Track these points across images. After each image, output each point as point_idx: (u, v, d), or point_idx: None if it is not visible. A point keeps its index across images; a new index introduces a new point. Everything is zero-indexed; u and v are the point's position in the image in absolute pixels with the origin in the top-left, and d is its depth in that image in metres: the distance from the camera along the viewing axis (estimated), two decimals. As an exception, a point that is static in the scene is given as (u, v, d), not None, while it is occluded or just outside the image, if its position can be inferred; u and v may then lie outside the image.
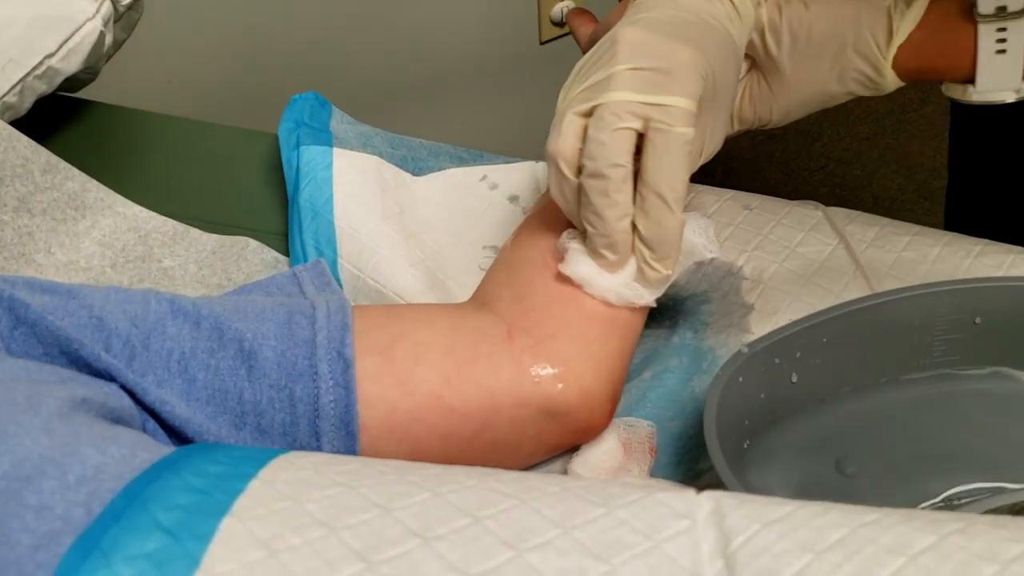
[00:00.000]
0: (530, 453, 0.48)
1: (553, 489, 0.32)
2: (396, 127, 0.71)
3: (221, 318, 0.43)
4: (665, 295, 0.60)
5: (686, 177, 0.45)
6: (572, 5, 1.49)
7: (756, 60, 0.56)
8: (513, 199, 0.64)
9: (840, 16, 0.52)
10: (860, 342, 0.49)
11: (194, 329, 0.43)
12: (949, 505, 0.46)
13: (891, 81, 0.53)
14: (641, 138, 0.45)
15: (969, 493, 0.47)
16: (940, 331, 0.50)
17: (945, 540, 0.30)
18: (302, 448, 0.43)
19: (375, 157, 0.64)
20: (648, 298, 0.48)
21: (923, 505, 0.46)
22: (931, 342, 0.50)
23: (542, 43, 1.45)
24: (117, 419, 0.37)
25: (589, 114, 0.45)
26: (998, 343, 0.50)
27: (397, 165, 0.65)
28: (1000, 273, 0.56)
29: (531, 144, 0.69)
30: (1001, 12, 0.48)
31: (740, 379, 0.46)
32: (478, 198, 0.65)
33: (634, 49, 0.45)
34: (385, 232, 0.60)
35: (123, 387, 0.41)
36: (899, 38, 0.51)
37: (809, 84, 0.54)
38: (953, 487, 0.47)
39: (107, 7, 0.68)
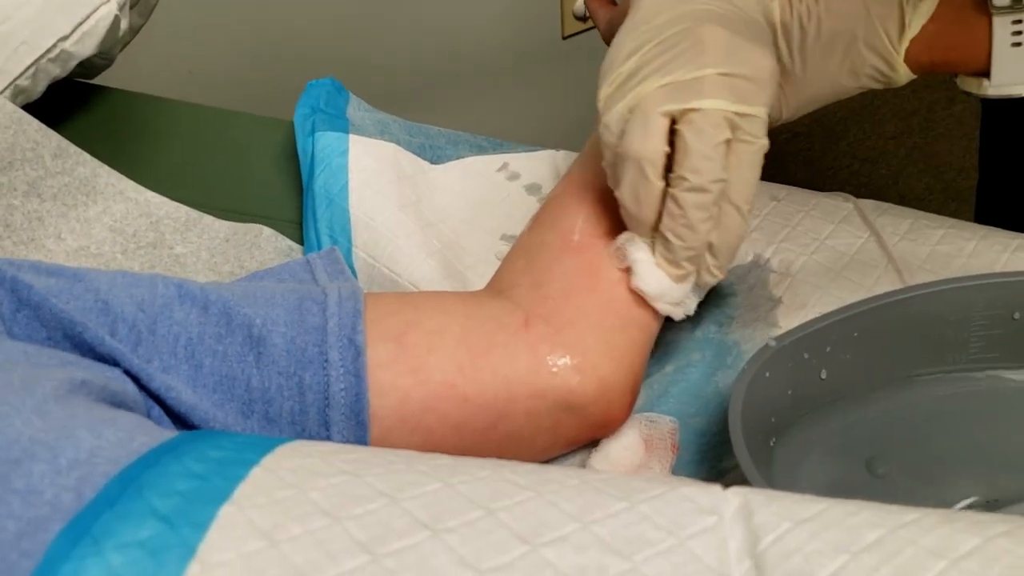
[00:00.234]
0: (547, 446, 0.46)
1: (572, 482, 0.31)
2: (416, 121, 0.70)
3: (230, 303, 0.42)
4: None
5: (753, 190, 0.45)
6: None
7: None
8: (532, 188, 0.63)
9: (850, 9, 0.50)
10: (893, 337, 0.47)
11: (202, 314, 0.42)
12: (988, 508, 0.44)
13: (903, 75, 0.51)
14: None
15: (1008, 496, 0.45)
16: (977, 327, 0.48)
17: (990, 543, 0.29)
18: (311, 438, 0.42)
19: (392, 144, 0.63)
20: (692, 308, 0.47)
21: (959, 507, 0.44)
22: (967, 338, 0.48)
23: (564, 38, 1.43)
24: (119, 404, 0.36)
25: (674, 116, 0.43)
26: (1038, 340, 0.48)
27: (415, 153, 0.64)
28: (1039, 268, 0.54)
29: (553, 139, 0.68)
30: (1017, 4, 0.47)
31: (767, 374, 0.44)
32: (497, 187, 0.63)
33: (723, 52, 0.44)
34: (401, 221, 0.59)
35: (127, 372, 0.40)
36: (912, 31, 0.50)
37: (819, 79, 0.52)
38: (990, 489, 0.45)
39: (123, -9, 0.67)
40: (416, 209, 0.60)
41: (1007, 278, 0.48)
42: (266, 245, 0.61)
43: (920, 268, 0.54)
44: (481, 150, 0.66)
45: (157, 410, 0.40)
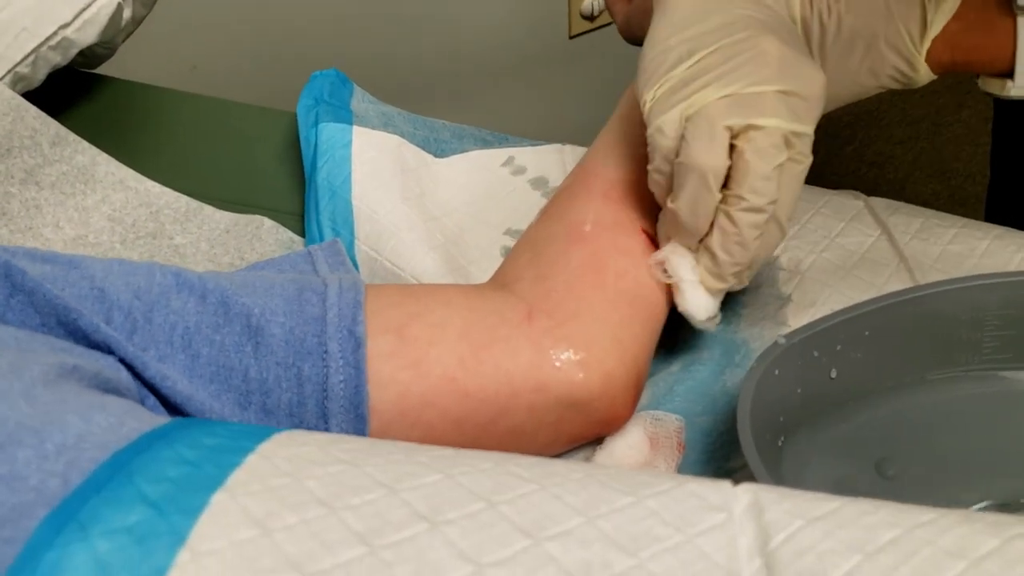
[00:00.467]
0: (549, 443, 0.45)
1: (576, 475, 0.30)
2: (421, 118, 0.69)
3: (228, 292, 0.41)
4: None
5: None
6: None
7: None
8: (538, 183, 0.62)
9: (871, 7, 0.49)
10: (904, 336, 0.46)
11: (199, 303, 0.41)
12: (1000, 512, 0.43)
13: (924, 75, 0.50)
14: None
15: (1021, 500, 0.43)
16: (990, 327, 0.47)
17: (1010, 544, 0.28)
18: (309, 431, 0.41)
19: (396, 137, 0.62)
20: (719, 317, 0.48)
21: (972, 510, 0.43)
22: (980, 338, 0.47)
23: (571, 37, 1.43)
24: (111, 391, 0.35)
25: (735, 130, 0.42)
26: (1053, 341, 0.47)
27: (419, 146, 0.63)
28: (1053, 269, 0.53)
29: (559, 138, 0.67)
30: None
31: (776, 372, 0.44)
32: (501, 181, 0.62)
33: (782, 66, 0.43)
34: (404, 214, 0.58)
35: (122, 361, 0.39)
36: (934, 30, 0.49)
37: (839, 78, 0.51)
38: (1002, 493, 0.44)
39: (125, -21, 0.66)
40: (420, 202, 0.59)
41: (1021, 278, 0.47)
42: (267, 237, 0.61)
43: (932, 267, 0.53)
44: (486, 144, 0.65)
45: (152, 400, 0.39)
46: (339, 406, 0.41)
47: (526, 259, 0.48)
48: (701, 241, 0.45)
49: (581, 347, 0.44)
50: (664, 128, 0.44)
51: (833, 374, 0.46)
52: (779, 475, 0.43)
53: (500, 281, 0.48)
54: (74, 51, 0.65)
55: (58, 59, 0.64)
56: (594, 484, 0.29)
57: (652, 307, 0.46)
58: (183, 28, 1.07)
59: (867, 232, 0.56)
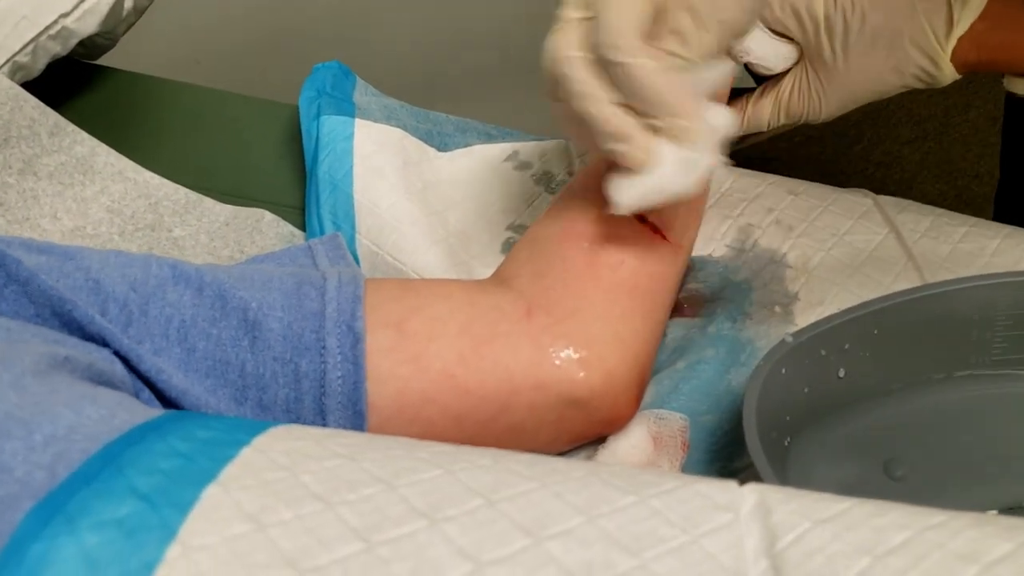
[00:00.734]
0: (550, 441, 0.45)
1: (578, 474, 0.29)
2: (423, 114, 0.68)
3: (225, 285, 0.41)
4: (701, 282, 0.56)
5: (633, 25, 0.40)
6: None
7: (806, 51, 0.53)
8: (542, 178, 0.61)
9: (896, 4, 0.49)
10: (913, 335, 0.46)
11: (196, 296, 0.40)
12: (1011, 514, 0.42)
13: (948, 74, 0.50)
14: None
15: (1031, 503, 0.43)
16: (1001, 327, 0.46)
17: (1023, 549, 0.27)
18: (307, 426, 0.40)
19: (398, 130, 0.61)
20: (711, 159, 0.41)
21: (981, 514, 0.43)
22: (990, 338, 0.46)
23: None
24: (104, 383, 0.34)
25: None
26: (1065, 342, 0.46)
27: (422, 139, 0.62)
28: (1065, 269, 0.52)
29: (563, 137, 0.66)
30: None
31: (783, 370, 0.43)
32: (505, 176, 0.61)
33: None
34: (406, 208, 0.57)
35: (117, 354, 0.38)
36: (960, 29, 0.48)
37: (862, 75, 0.50)
38: (1013, 495, 0.43)
39: (126, -31, 0.65)
40: (422, 196, 0.58)
41: (1034, 277, 0.46)
42: (267, 230, 0.60)
43: (941, 266, 0.53)
44: (490, 138, 0.64)
45: (147, 393, 0.39)
46: (337, 402, 0.40)
47: (525, 256, 0.47)
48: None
49: (582, 345, 0.43)
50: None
51: (841, 373, 0.45)
52: (785, 475, 0.42)
53: (501, 276, 0.48)
54: (74, 41, 0.64)
55: (58, 49, 0.63)
56: (596, 483, 0.28)
57: (653, 297, 0.45)
58: (185, 19, 1.06)
59: (875, 230, 0.55)
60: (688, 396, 0.49)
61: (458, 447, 0.31)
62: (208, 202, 0.61)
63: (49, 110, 0.59)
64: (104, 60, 0.72)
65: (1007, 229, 0.55)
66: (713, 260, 0.54)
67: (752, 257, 0.54)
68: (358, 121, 0.60)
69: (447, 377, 0.41)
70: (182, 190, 0.61)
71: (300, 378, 0.40)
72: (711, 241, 0.55)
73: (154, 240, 0.58)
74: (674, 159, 0.41)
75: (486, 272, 0.55)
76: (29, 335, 0.34)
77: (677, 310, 0.52)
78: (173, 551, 0.23)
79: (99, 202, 0.59)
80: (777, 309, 0.51)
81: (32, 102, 0.58)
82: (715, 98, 0.43)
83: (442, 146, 0.63)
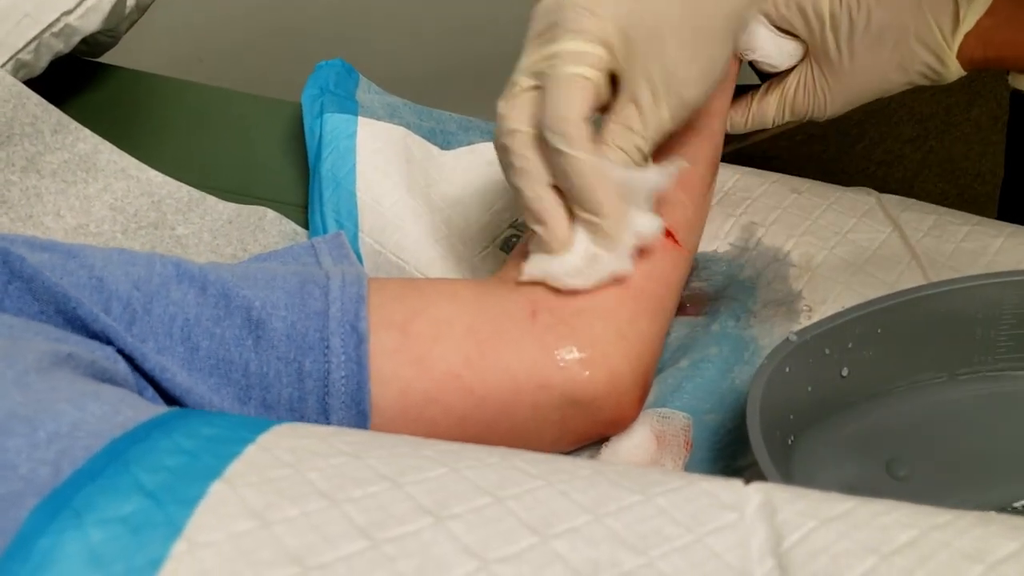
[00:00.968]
0: (554, 441, 0.45)
1: (584, 472, 0.29)
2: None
3: (229, 284, 0.41)
4: (705, 280, 0.56)
5: (576, 113, 0.41)
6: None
7: (811, 48, 0.52)
8: (545, 176, 0.61)
9: (901, 1, 0.49)
10: (918, 334, 0.46)
11: (200, 295, 0.40)
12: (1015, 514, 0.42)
13: (954, 71, 0.50)
14: None
15: (1036, 502, 0.43)
16: (1006, 326, 0.46)
17: (1029, 547, 0.27)
18: (310, 426, 0.40)
19: (402, 128, 0.61)
20: (617, 264, 0.43)
21: (985, 513, 0.43)
22: (995, 337, 0.46)
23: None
24: (107, 380, 0.34)
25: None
26: (1070, 341, 0.46)
27: (425, 137, 0.62)
28: (1069, 268, 0.52)
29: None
30: None
31: (787, 369, 0.43)
32: (508, 174, 0.61)
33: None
34: (410, 206, 0.57)
35: (120, 352, 0.38)
36: (966, 26, 0.48)
37: (867, 73, 0.50)
38: (1017, 494, 0.43)
39: (129, -34, 0.65)
40: (425, 194, 0.58)
41: (1037, 276, 0.46)
42: (270, 228, 0.60)
43: (944, 265, 0.53)
44: (493, 137, 0.64)
45: (150, 392, 0.39)
46: (340, 402, 0.40)
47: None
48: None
49: (586, 344, 0.43)
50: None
51: (844, 372, 0.45)
52: (788, 474, 0.42)
53: (504, 277, 0.47)
54: (77, 38, 0.64)
55: (60, 46, 0.63)
56: (602, 481, 0.28)
57: (658, 299, 0.45)
58: (187, 17, 1.06)
59: (879, 228, 0.55)
60: (691, 395, 0.49)
61: (463, 445, 0.31)
62: (211, 200, 0.61)
63: (52, 107, 0.59)
64: (107, 58, 0.72)
65: (1010, 228, 0.55)
66: (717, 258, 0.54)
67: (756, 255, 0.54)
68: (361, 119, 0.60)
69: (452, 378, 0.41)
70: (185, 188, 0.61)
71: (304, 378, 0.40)
72: (714, 239, 0.55)
73: (157, 238, 0.58)
74: (583, 254, 0.43)
75: (488, 271, 0.55)
76: (32, 332, 0.34)
77: (681, 308, 0.52)
78: (179, 548, 0.23)
79: (102, 200, 0.59)
80: (781, 308, 0.51)
81: (35, 100, 0.58)
82: (652, 201, 0.44)
83: (445, 144, 0.63)
